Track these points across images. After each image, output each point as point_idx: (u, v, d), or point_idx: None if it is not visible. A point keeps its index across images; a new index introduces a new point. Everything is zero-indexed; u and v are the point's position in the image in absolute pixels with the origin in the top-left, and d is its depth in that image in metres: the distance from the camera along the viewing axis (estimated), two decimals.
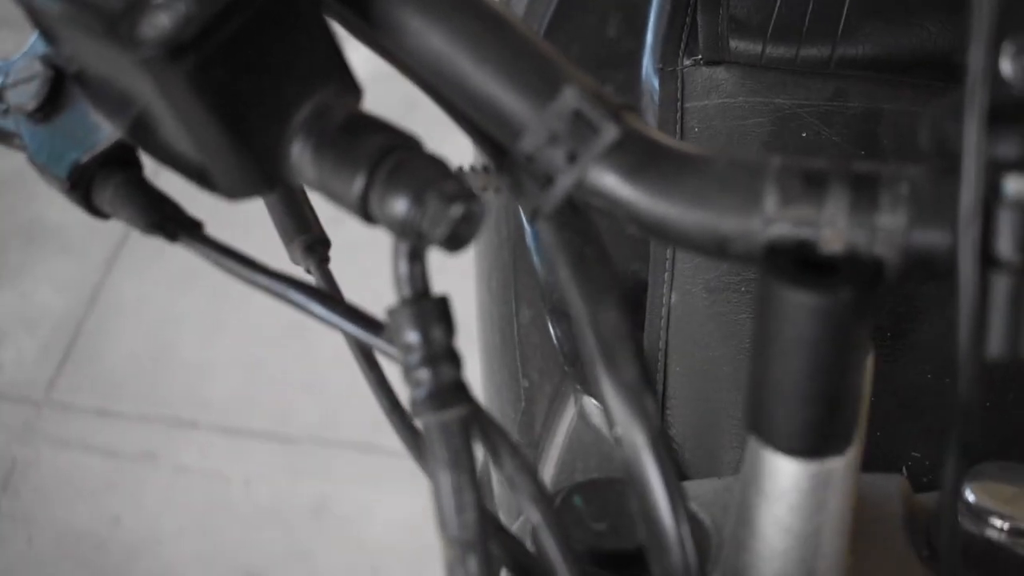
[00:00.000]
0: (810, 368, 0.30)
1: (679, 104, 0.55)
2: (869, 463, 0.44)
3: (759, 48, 0.54)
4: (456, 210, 0.30)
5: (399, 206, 0.30)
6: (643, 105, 0.60)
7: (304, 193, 0.44)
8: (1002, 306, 0.28)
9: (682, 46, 0.56)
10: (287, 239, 0.43)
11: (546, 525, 0.33)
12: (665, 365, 0.55)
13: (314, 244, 0.43)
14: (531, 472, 0.34)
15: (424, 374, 0.32)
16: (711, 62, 0.56)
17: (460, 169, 0.42)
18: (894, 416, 0.49)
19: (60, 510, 1.70)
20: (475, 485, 0.32)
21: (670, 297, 0.55)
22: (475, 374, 0.76)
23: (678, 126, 0.55)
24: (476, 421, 0.34)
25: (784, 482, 0.33)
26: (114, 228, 2.11)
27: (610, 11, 0.67)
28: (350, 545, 1.59)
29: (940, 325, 0.52)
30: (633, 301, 0.58)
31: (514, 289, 0.65)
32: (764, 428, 0.32)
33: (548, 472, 0.61)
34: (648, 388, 0.33)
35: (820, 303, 0.29)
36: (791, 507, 0.33)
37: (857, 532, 0.39)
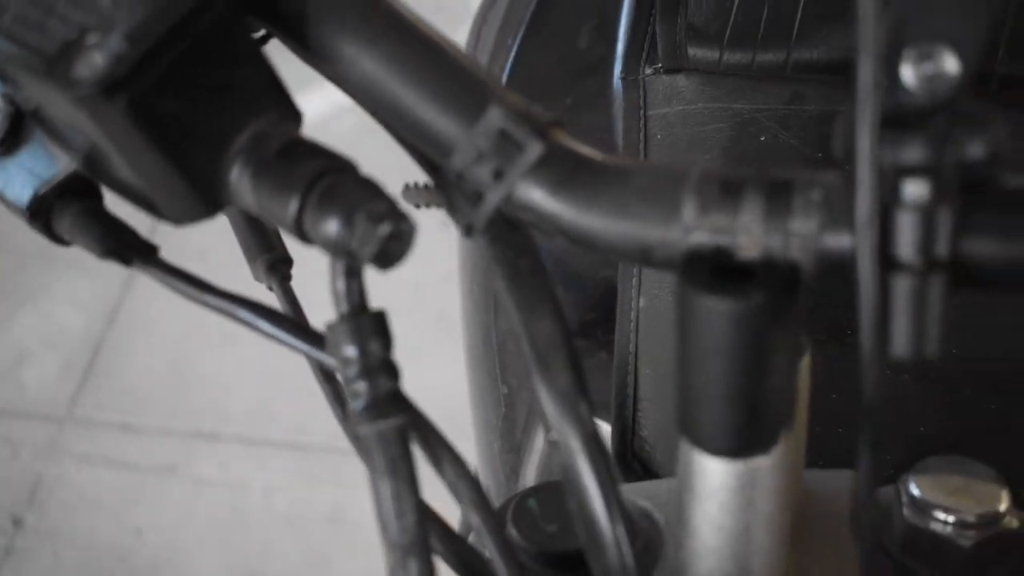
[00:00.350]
0: (729, 372, 0.31)
1: (642, 112, 0.57)
2: (826, 459, 0.44)
3: (717, 55, 0.55)
4: (384, 229, 0.31)
5: (330, 227, 0.32)
6: (613, 113, 0.61)
7: None
8: (904, 307, 0.29)
9: (644, 55, 0.58)
10: (250, 258, 0.44)
11: (487, 529, 0.34)
12: (635, 368, 0.57)
13: (276, 263, 0.44)
14: (471, 478, 0.35)
15: (362, 386, 0.33)
16: (671, 70, 0.57)
17: (406, 186, 0.43)
18: (852, 412, 0.50)
19: (84, 524, 1.73)
20: (415, 491, 0.33)
21: (639, 301, 0.57)
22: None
23: (641, 134, 0.56)
24: (417, 430, 0.35)
25: (712, 481, 0.34)
26: None
27: (583, 20, 0.68)
28: (366, 549, 1.61)
29: None
30: (604, 307, 0.59)
31: (493, 297, 0.66)
32: (691, 429, 0.33)
33: (528, 475, 0.62)
34: (583, 394, 0.34)
35: (734, 308, 0.30)
36: (720, 505, 0.34)
37: (803, 526, 0.40)
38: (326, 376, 0.42)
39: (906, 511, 0.40)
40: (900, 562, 0.40)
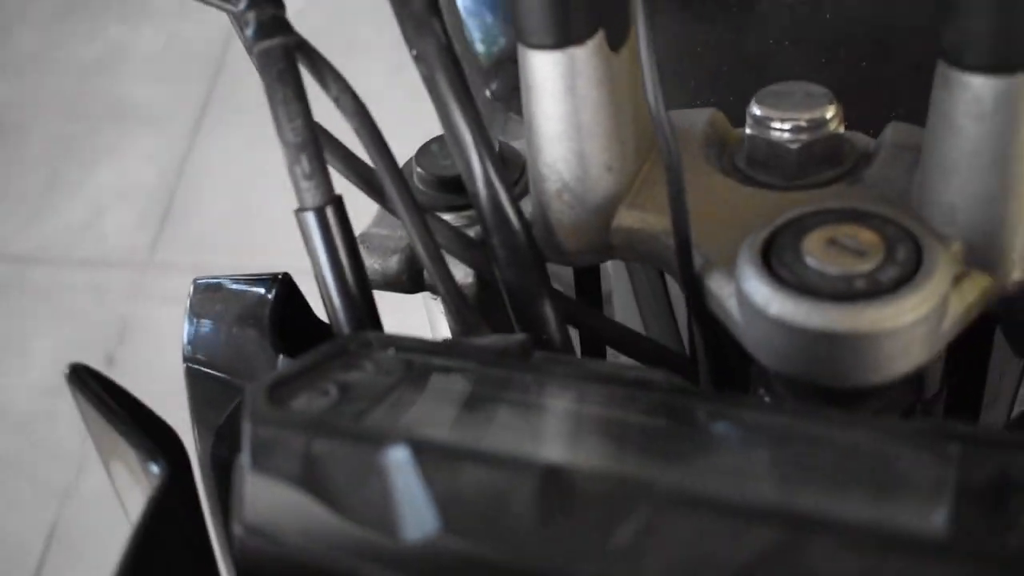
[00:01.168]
0: None
1: None
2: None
3: None
4: None
5: None
6: None
7: None
8: None
9: None
10: None
11: (363, 127, 0.41)
12: None
13: None
14: (352, 92, 0.42)
15: (250, 15, 0.40)
16: None
17: None
18: (743, 79, 0.56)
19: (171, 357, 1.86)
20: (302, 100, 0.40)
21: None
22: None
23: None
24: (303, 53, 0.42)
25: (539, 74, 0.40)
26: (195, 98, 2.24)
27: None
28: None
29: None
30: None
31: None
32: (517, 26, 0.39)
33: None
34: (435, 13, 0.41)
35: None
36: (549, 94, 0.40)
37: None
38: (238, 22, 0.47)
39: (749, 129, 0.46)
40: (745, 173, 0.46)
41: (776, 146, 0.45)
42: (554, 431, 0.31)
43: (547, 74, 0.40)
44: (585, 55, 0.40)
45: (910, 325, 0.35)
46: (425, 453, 0.29)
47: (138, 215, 2.11)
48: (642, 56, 0.37)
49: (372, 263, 0.48)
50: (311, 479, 0.30)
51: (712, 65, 0.58)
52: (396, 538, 0.28)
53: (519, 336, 0.38)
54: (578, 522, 0.27)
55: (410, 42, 0.41)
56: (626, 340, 0.47)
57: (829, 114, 0.45)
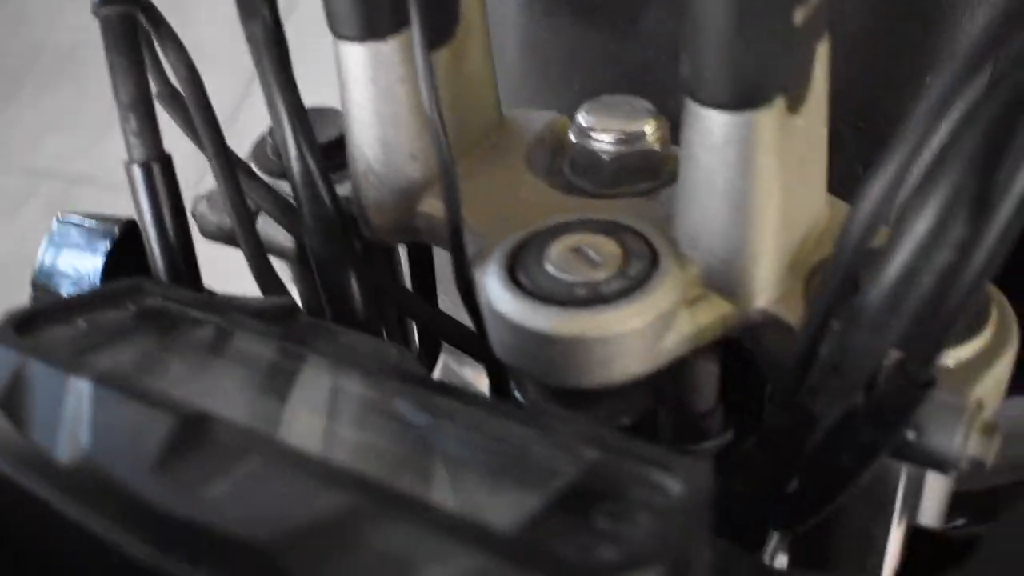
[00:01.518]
0: None
1: None
2: None
3: None
4: None
5: None
6: None
7: None
8: None
9: None
10: None
11: (192, 92, 0.45)
12: None
13: None
14: (186, 58, 0.45)
15: None
16: None
17: None
18: (622, 89, 0.58)
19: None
20: (136, 62, 0.44)
21: None
22: None
23: None
24: (148, 18, 0.45)
25: (346, 63, 0.43)
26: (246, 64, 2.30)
27: None
28: None
29: (663, 12, 0.59)
30: None
31: None
32: (328, 18, 0.42)
33: None
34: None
35: None
36: (354, 84, 0.43)
37: (496, 149, 0.49)
38: None
39: (574, 137, 0.48)
40: (567, 179, 0.48)
41: (593, 155, 0.47)
42: (235, 384, 0.34)
43: (352, 64, 0.43)
44: (389, 51, 0.42)
45: (620, 335, 0.37)
46: (104, 387, 0.32)
47: (183, 155, 2.17)
48: (417, 59, 0.39)
49: (213, 219, 0.51)
50: (10, 397, 0.33)
51: (597, 73, 0.60)
52: (54, 458, 0.31)
53: (284, 299, 0.41)
54: (190, 466, 0.30)
55: (243, 24, 0.44)
56: (438, 324, 0.49)
57: (648, 129, 0.47)
